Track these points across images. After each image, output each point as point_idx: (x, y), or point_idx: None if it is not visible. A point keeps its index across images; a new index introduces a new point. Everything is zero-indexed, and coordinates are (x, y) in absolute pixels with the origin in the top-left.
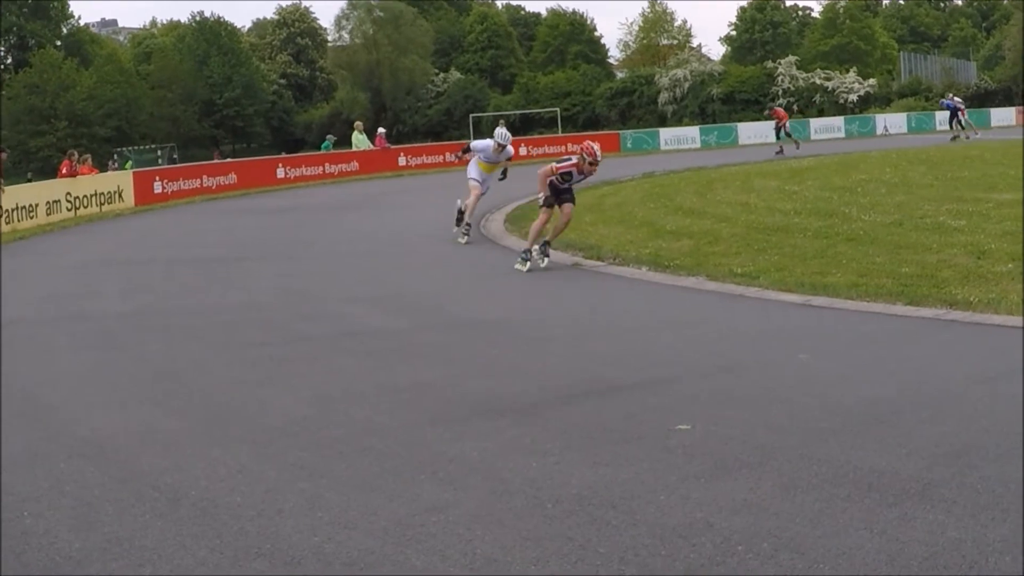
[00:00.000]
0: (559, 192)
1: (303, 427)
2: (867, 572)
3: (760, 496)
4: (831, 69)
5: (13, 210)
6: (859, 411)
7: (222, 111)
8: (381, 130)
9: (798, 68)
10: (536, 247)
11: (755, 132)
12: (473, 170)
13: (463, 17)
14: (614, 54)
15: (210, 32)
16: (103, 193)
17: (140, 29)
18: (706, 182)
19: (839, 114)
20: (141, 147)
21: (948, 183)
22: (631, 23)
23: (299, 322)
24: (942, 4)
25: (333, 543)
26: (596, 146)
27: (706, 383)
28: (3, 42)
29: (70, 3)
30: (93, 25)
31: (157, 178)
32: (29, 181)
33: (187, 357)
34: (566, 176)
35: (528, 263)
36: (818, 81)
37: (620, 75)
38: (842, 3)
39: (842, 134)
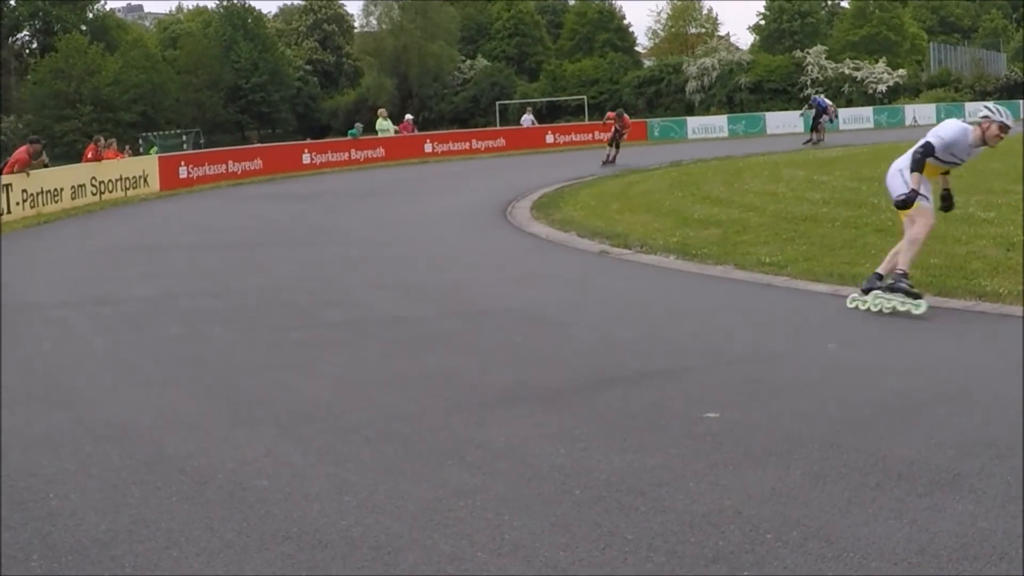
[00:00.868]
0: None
1: (328, 412)
2: (897, 562)
3: (789, 485)
4: (860, 59)
5: (38, 194)
6: (888, 402)
7: (248, 97)
8: (408, 116)
9: (827, 58)
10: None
11: (783, 122)
12: None
13: (490, 4)
14: (642, 42)
15: (236, 17)
16: (128, 178)
17: (166, 14)
18: (734, 171)
19: (868, 104)
20: (166, 132)
21: (977, 174)
22: (659, 11)
23: (324, 308)
24: None
25: (360, 527)
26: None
27: (734, 371)
28: (29, 27)
29: None
30: (119, 10)
31: (183, 163)
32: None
33: (211, 341)
34: None
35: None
36: (847, 71)
37: (648, 63)
38: None
39: (871, 124)
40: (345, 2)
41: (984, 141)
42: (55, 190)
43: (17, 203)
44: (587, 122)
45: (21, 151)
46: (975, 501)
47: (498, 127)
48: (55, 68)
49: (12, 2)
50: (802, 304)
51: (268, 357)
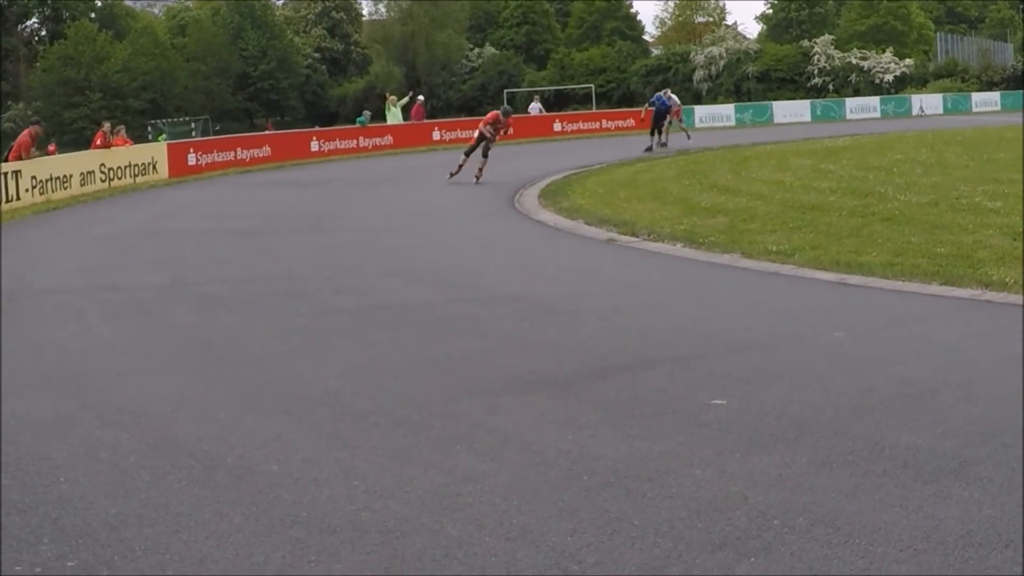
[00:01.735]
0: None
1: (338, 398)
2: (903, 548)
3: (795, 471)
4: (867, 49)
5: (47, 180)
6: (894, 389)
7: (256, 84)
8: (420, 98)
9: (834, 47)
10: None
11: (790, 111)
12: None
13: None
14: (650, 31)
15: (245, 5)
16: (137, 164)
17: (175, 2)
18: (741, 160)
19: (875, 94)
20: (175, 119)
21: (984, 164)
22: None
23: (333, 294)
24: None
25: (369, 511)
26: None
27: (741, 359)
28: (38, 14)
29: None
30: None
31: (191, 150)
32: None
33: (220, 327)
34: None
35: None
36: (854, 61)
37: (655, 52)
38: None
39: (877, 114)
40: None
41: None
42: (64, 176)
43: (26, 190)
44: (595, 110)
45: (24, 135)
46: (980, 488)
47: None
48: (64, 55)
49: None
50: (809, 292)
51: (277, 343)
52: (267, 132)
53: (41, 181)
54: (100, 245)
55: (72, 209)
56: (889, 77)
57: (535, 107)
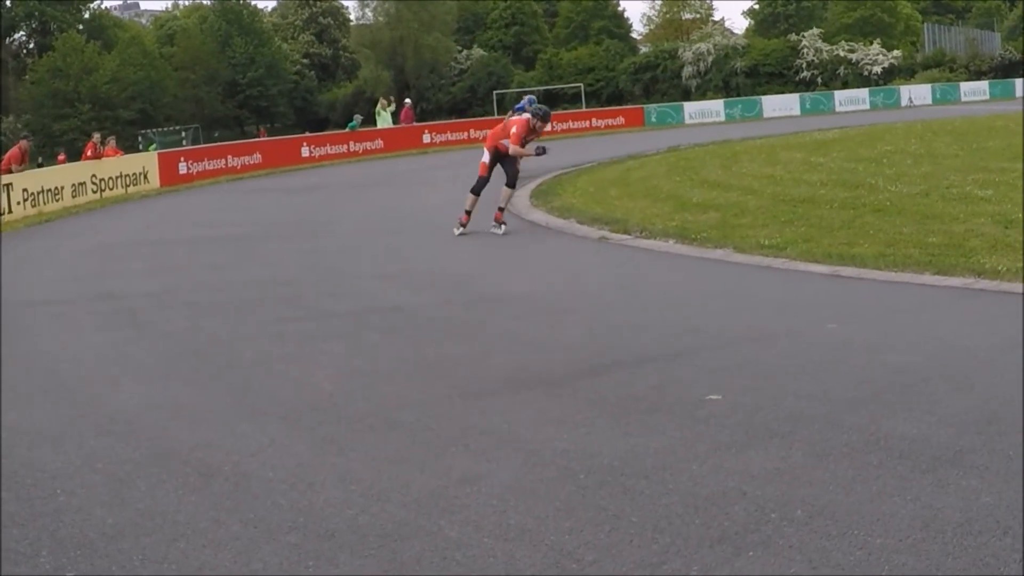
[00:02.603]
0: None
1: (332, 402)
2: (902, 538)
3: (792, 464)
4: (855, 41)
5: (39, 193)
6: (889, 380)
7: (245, 92)
8: (408, 101)
9: (822, 40)
10: None
11: (779, 105)
12: None
13: None
14: (638, 28)
15: (232, 13)
16: (128, 175)
17: (162, 11)
18: (731, 155)
19: (864, 86)
20: (165, 129)
21: (974, 153)
22: None
23: (325, 299)
24: None
25: (367, 515)
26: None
27: (735, 353)
28: (25, 27)
29: None
30: (115, 8)
31: (182, 159)
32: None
33: (214, 334)
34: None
35: None
36: (842, 53)
37: (644, 50)
38: None
39: (867, 106)
40: None
41: None
42: (56, 189)
43: (18, 202)
44: (584, 109)
45: (14, 149)
46: (978, 476)
47: (496, 116)
48: (53, 67)
49: (8, 3)
50: (801, 285)
51: (271, 349)
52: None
53: (33, 194)
54: (93, 255)
55: (64, 221)
56: (877, 69)
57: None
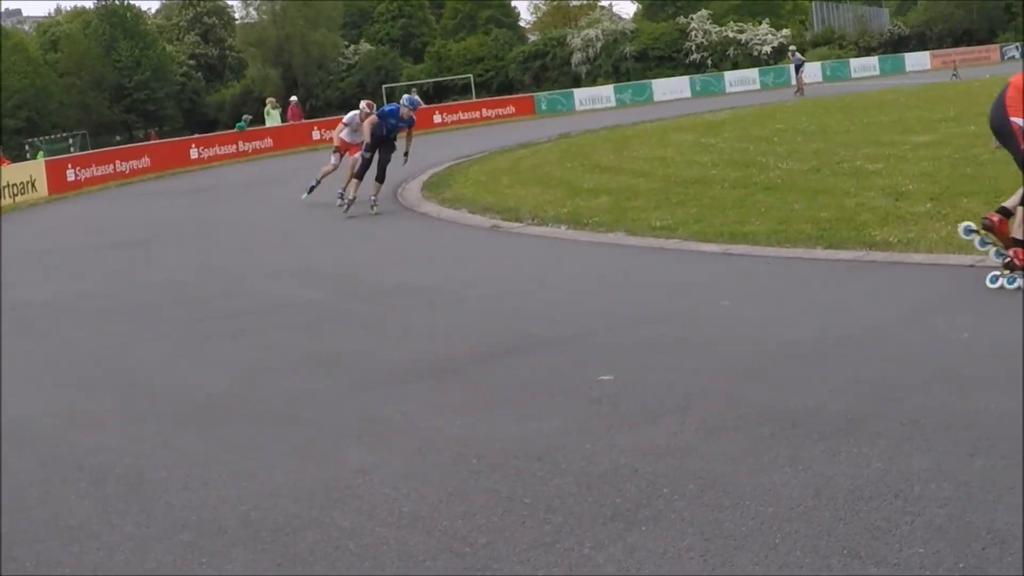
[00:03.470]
0: None
1: (228, 400)
2: (793, 507)
3: (685, 440)
4: (744, 22)
5: None
6: (783, 353)
7: (132, 95)
8: (293, 98)
9: (711, 22)
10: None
11: (670, 88)
12: None
13: None
14: (526, 17)
15: (115, 16)
16: (15, 184)
17: (45, 17)
18: (622, 139)
19: (754, 66)
20: (53, 136)
21: (865, 128)
22: None
23: (220, 299)
24: None
25: (259, 510)
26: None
27: (630, 334)
28: None
29: None
30: None
31: (70, 166)
32: None
33: (109, 339)
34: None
35: None
36: (731, 34)
37: (532, 38)
38: None
39: (757, 86)
40: None
41: None
42: None
43: None
44: (474, 100)
45: None
46: (869, 444)
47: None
48: None
49: None
50: (694, 265)
51: (166, 351)
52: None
53: None
54: None
55: None
56: (767, 49)
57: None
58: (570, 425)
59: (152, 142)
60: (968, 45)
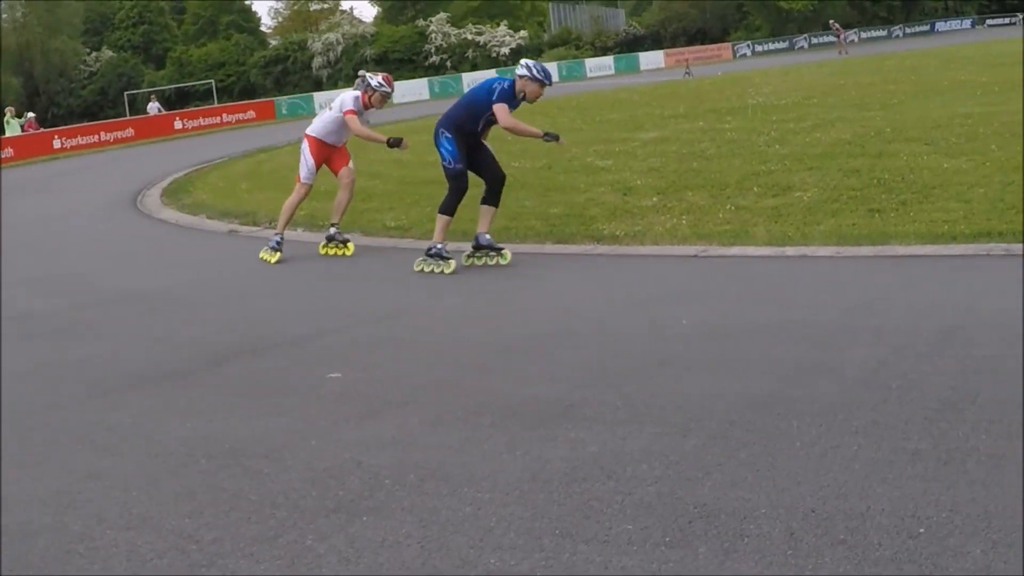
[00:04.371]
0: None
1: None
2: (509, 491)
3: (407, 432)
4: (482, 24)
5: None
6: (505, 345)
7: None
8: (30, 115)
9: (450, 25)
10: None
11: (409, 90)
12: None
13: None
14: (267, 22)
15: None
16: None
17: None
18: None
19: (492, 67)
20: None
21: (596, 126)
22: None
23: None
24: None
25: None
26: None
27: (360, 332)
28: None
29: None
30: None
31: None
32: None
33: None
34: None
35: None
36: (470, 36)
37: (273, 43)
38: None
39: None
40: None
41: None
42: None
43: None
44: (216, 105)
45: None
46: (585, 428)
47: (128, 117)
48: None
49: None
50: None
51: None
52: None
53: None
54: None
55: None
56: (505, 50)
57: (153, 107)
58: (297, 423)
59: None
60: (702, 43)
